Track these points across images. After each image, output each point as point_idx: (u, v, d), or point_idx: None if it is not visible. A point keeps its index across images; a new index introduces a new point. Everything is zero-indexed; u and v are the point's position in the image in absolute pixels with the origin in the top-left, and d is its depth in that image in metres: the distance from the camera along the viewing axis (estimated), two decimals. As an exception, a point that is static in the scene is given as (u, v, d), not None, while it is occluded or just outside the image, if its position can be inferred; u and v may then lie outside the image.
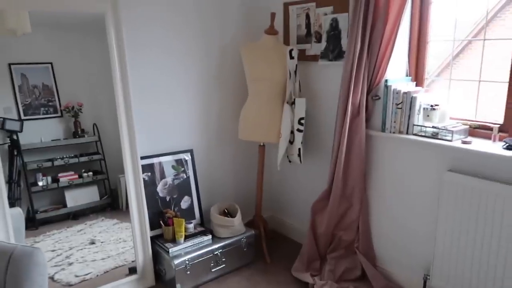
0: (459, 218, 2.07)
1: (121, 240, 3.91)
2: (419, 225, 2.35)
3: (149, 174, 2.72)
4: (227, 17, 2.93)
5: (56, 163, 2.58)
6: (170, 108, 2.77)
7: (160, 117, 2.74)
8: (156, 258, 2.65)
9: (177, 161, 2.81)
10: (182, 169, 2.82)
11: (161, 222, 2.69)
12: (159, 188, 2.76)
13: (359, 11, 2.27)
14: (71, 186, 2.72)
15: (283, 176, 3.30)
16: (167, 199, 2.79)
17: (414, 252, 2.41)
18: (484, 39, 2.17)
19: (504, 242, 1.92)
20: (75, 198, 2.86)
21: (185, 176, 2.82)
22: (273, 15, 2.70)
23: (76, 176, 2.71)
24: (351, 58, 2.34)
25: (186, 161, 2.86)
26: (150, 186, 2.72)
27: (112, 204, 4.88)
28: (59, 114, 2.51)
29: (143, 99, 2.64)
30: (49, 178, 2.58)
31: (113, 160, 4.87)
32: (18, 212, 2.53)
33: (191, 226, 2.70)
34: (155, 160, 2.74)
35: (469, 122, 2.26)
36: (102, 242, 3.96)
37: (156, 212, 2.73)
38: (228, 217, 2.85)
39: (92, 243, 4.01)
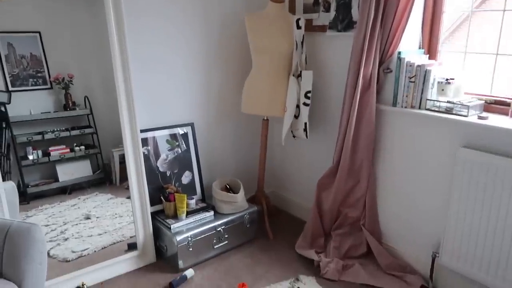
0: (473, 195, 2.02)
1: (117, 215, 3.84)
2: (429, 202, 2.30)
3: (149, 148, 2.62)
4: (230, -17, 2.77)
5: (46, 136, 2.51)
6: (170, 79, 2.64)
7: (159, 89, 2.62)
8: (157, 234, 2.58)
9: (171, 135, 2.70)
10: (177, 143, 2.71)
11: (161, 197, 2.60)
12: (159, 162, 2.66)
13: (374, -23, 2.14)
14: (62, 160, 2.66)
15: (286, 152, 3.22)
16: (168, 174, 2.70)
17: (423, 229, 2.36)
18: (504, 10, 2.07)
19: (518, 220, 1.88)
20: (67, 173, 2.79)
21: (179, 151, 2.71)
22: (280, -18, 2.56)
23: (68, 150, 2.65)
24: (363, 29, 2.22)
25: (185, 134, 2.75)
26: (149, 160, 2.62)
27: (105, 178, 4.80)
28: (48, 86, 2.43)
29: (141, 70, 2.51)
30: (40, 152, 2.51)
31: (106, 134, 4.76)
32: (11, 186, 2.44)
33: (192, 202, 2.62)
34: (156, 134, 2.63)
35: (484, 97, 2.18)
36: (97, 218, 3.88)
37: (156, 187, 2.64)
38: (230, 192, 2.78)
39: (87, 218, 3.94)
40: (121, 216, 3.75)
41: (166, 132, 2.67)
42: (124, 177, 5.01)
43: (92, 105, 3.94)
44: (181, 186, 2.73)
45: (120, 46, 2.26)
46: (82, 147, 2.78)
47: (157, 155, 2.65)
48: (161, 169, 2.66)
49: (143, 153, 2.51)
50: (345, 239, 2.60)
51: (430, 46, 2.37)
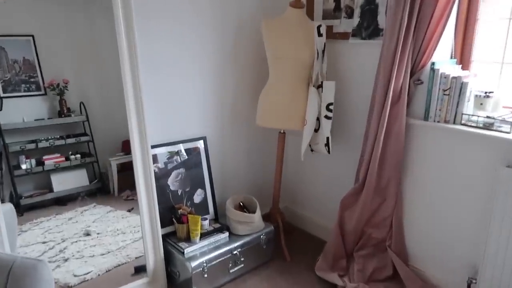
0: (517, 219, 1.86)
1: (119, 232, 3.63)
2: (465, 224, 2.14)
3: (159, 165, 2.42)
4: (245, -13, 2.59)
5: (40, 144, 2.42)
6: (182, 88, 2.45)
7: (170, 99, 2.42)
8: (168, 259, 2.38)
9: (184, 150, 2.51)
10: (176, 150, 2.51)
11: (173, 219, 2.41)
12: (171, 180, 2.47)
13: (407, -18, 1.97)
14: (57, 169, 2.57)
15: (304, 167, 3.04)
16: (179, 192, 2.50)
17: (456, 252, 2.20)
18: (549, 18, 1.92)
19: None
20: (62, 182, 2.68)
21: (179, 159, 2.50)
22: (300, -14, 2.38)
23: (63, 159, 2.55)
24: (395, 37, 2.06)
25: (196, 149, 2.56)
26: (160, 178, 2.42)
27: (102, 188, 4.60)
28: (42, 92, 2.35)
29: (152, 75, 2.31)
30: (33, 161, 2.41)
31: (102, 142, 4.56)
32: (10, 209, 2.26)
33: (206, 223, 2.43)
34: (167, 149, 2.44)
35: (524, 111, 2.03)
36: (98, 234, 3.67)
37: (167, 208, 2.44)
38: (245, 211, 2.59)
39: (87, 234, 3.72)
40: (123, 232, 3.55)
41: (180, 147, 2.49)
42: (122, 186, 4.80)
43: (88, 112, 3.81)
44: (193, 205, 2.54)
45: (129, 49, 2.05)
46: (78, 155, 2.70)
47: (168, 173, 2.46)
48: (172, 188, 2.47)
49: (154, 171, 2.32)
50: (368, 261, 2.43)
51: (462, 55, 2.21)
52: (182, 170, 2.50)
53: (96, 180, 4.91)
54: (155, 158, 2.40)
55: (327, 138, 2.42)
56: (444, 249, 2.26)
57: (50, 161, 2.47)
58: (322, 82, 2.40)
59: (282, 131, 2.66)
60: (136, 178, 2.24)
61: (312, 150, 2.64)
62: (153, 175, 2.24)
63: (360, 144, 2.45)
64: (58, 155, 2.52)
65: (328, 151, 2.46)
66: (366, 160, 2.31)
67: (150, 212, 2.29)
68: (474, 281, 2.08)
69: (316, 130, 2.48)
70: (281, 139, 2.67)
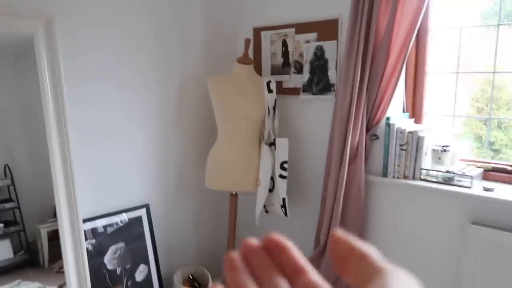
0: (488, 279, 1.75)
1: (48, 316, 3.15)
2: (435, 286, 2.00)
3: (93, 242, 2.10)
4: (189, 44, 2.46)
5: None
6: (120, 155, 2.19)
7: (106, 165, 2.15)
8: None
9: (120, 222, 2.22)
10: (113, 222, 2.22)
11: (112, 304, 2.05)
12: (108, 257, 2.13)
13: (357, 39, 1.93)
14: None
15: (259, 231, 2.82)
16: (118, 271, 2.16)
17: (428, 319, 2.04)
18: (494, 72, 1.95)
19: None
20: None
21: (118, 232, 2.20)
22: (247, 41, 2.29)
23: None
24: (349, 94, 1.99)
25: (138, 219, 2.27)
26: (95, 257, 2.09)
27: (30, 261, 4.05)
28: None
29: (84, 143, 2.04)
30: None
31: (30, 208, 4.08)
32: None
33: (151, 305, 2.09)
34: (102, 222, 2.12)
35: (481, 164, 2.00)
36: (21, 322, 3.17)
37: (104, 291, 2.09)
38: (196, 285, 2.30)
39: (8, 322, 3.20)
40: (53, 317, 3.08)
41: (116, 219, 2.18)
42: (54, 256, 4.27)
43: (13, 175, 3.47)
44: (135, 284, 2.20)
45: (57, 113, 1.81)
46: (1, 224, 2.46)
47: (105, 249, 2.13)
48: (109, 267, 2.13)
49: (87, 249, 1.99)
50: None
51: (414, 109, 2.18)
52: (121, 244, 2.18)
53: (22, 252, 4.34)
54: (89, 233, 2.08)
55: (283, 199, 2.25)
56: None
57: (-33, 232, 2.05)
58: (274, 140, 2.26)
59: (234, 193, 2.45)
60: (64, 257, 1.91)
61: (267, 212, 2.45)
62: (85, 254, 1.91)
63: (318, 205, 2.30)
64: (-22, 225, 2.10)
65: (285, 213, 2.28)
66: (326, 222, 2.14)
67: (82, 299, 1.94)
68: None
69: (270, 191, 2.31)
70: (233, 202, 2.45)
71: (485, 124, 2.08)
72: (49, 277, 3.61)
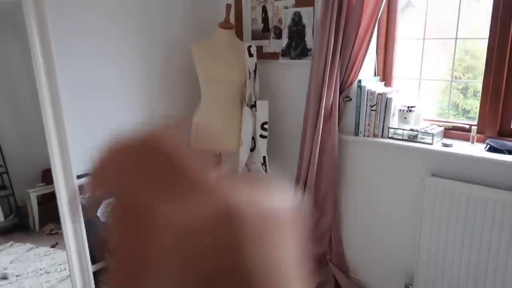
0: (444, 224, 1.98)
1: (43, 272, 3.32)
2: (398, 233, 2.23)
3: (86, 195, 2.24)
4: (173, 9, 2.54)
5: None
6: (110, 111, 2.31)
7: (96, 123, 2.26)
8: (102, 297, 2.19)
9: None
10: None
11: (105, 253, 2.23)
12: (100, 211, 2.29)
13: (331, 4, 2.06)
14: None
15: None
16: (111, 224, 2.33)
17: (393, 262, 2.29)
18: (456, 38, 2.11)
19: (490, 247, 1.86)
20: None
21: None
22: (228, 7, 2.38)
23: None
24: (323, 57, 2.13)
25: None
26: (88, 210, 2.24)
27: (20, 224, 4.17)
28: None
29: (75, 99, 2.14)
30: None
31: (19, 172, 4.17)
32: None
33: (142, 254, 2.28)
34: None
35: (442, 123, 2.19)
36: (17, 276, 3.32)
37: (98, 242, 2.26)
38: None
39: (4, 278, 3.35)
40: (47, 272, 3.26)
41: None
42: (44, 220, 4.38)
43: (1, 140, 3.53)
44: (127, 236, 2.38)
45: (46, 67, 1.90)
46: None
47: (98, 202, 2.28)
48: (102, 219, 2.29)
49: (82, 203, 2.13)
50: (311, 276, 2.44)
51: (385, 73, 2.35)
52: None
53: (12, 215, 4.43)
54: (82, 189, 2.22)
55: (264, 157, 2.42)
56: (382, 259, 2.33)
57: (-44, 197, 2.17)
58: (255, 102, 2.40)
59: (218, 153, 2.61)
60: (60, 211, 2.05)
61: (249, 171, 2.62)
62: (81, 212, 2.06)
63: (296, 162, 2.48)
64: (-34, 190, 2.16)
65: (266, 170, 2.46)
66: (303, 177, 2.33)
67: (78, 247, 2.11)
68: (410, 286, 2.17)
69: (252, 150, 2.47)
70: (217, 161, 2.62)
71: (461, 92, 2.25)
72: (40, 239, 3.74)
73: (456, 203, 1.92)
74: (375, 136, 2.20)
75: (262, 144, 2.41)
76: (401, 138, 2.13)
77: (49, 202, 3.81)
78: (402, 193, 2.18)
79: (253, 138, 2.43)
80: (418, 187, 2.09)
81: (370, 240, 2.35)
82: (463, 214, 1.91)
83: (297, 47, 2.39)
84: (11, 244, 3.92)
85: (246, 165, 2.57)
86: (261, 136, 2.41)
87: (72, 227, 2.06)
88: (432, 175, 2.01)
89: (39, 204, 3.98)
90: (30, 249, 3.67)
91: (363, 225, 2.36)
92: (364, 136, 2.22)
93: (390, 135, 2.16)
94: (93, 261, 2.19)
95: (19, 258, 3.45)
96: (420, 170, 2.08)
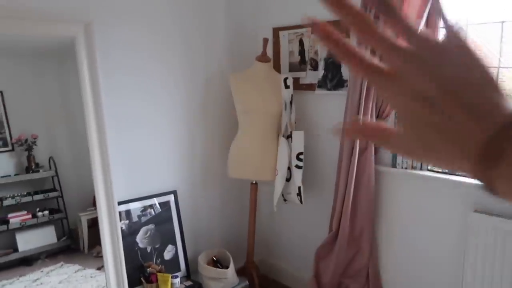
0: (489, 263, 1.86)
1: (88, 293, 3.43)
2: (440, 272, 2.11)
3: (127, 222, 2.34)
4: (213, 43, 2.66)
5: (6, 202, 2.31)
6: (150, 142, 2.43)
7: (139, 153, 2.39)
8: (137, 322, 2.24)
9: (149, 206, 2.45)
10: (149, 204, 2.45)
11: (142, 278, 2.30)
12: (139, 237, 2.38)
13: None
14: (23, 227, 2.44)
15: (277, 217, 3.00)
16: (148, 249, 2.40)
17: (434, 301, 2.16)
18: (499, 67, 2.03)
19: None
20: (28, 241, 2.55)
21: (153, 212, 2.44)
22: (265, 41, 2.46)
23: (30, 216, 2.43)
24: (358, 88, 2.12)
25: (166, 203, 2.50)
26: (128, 236, 2.33)
27: (71, 246, 4.38)
28: (10, 148, 2.29)
29: (118, 134, 2.28)
30: None
31: (72, 197, 4.41)
32: None
33: (177, 281, 2.32)
34: (135, 205, 2.37)
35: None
36: (63, 297, 3.46)
37: (136, 267, 2.33)
38: (219, 266, 2.50)
39: (52, 298, 3.50)
40: (92, 294, 3.36)
41: (147, 202, 2.42)
42: (93, 243, 4.58)
43: (57, 167, 3.72)
44: (164, 262, 2.44)
45: (94, 104, 2.05)
46: (46, 212, 2.58)
47: (137, 230, 2.37)
48: (140, 245, 2.37)
49: (121, 228, 2.23)
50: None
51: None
52: (151, 226, 2.42)
53: (65, 237, 4.69)
54: (127, 214, 2.33)
55: (299, 187, 2.42)
56: (422, 298, 2.21)
57: (16, 219, 2.35)
58: (291, 132, 2.43)
59: (254, 182, 2.64)
60: (101, 235, 2.16)
61: (285, 200, 2.62)
62: (119, 232, 2.16)
63: (332, 193, 2.44)
64: (25, 212, 2.40)
65: (301, 201, 2.45)
66: (338, 210, 2.29)
67: (116, 272, 2.19)
68: (454, 330, 2.03)
69: (288, 180, 2.48)
70: (253, 190, 2.64)
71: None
72: (88, 260, 3.92)
73: (501, 241, 1.80)
74: (413, 168, 2.14)
75: (297, 175, 2.41)
76: (441, 170, 2.05)
77: (97, 226, 4.01)
78: (442, 229, 2.07)
79: (288, 168, 2.44)
80: (460, 223, 1.99)
81: (409, 278, 2.24)
82: (509, 253, 1.78)
83: (333, 79, 2.40)
84: (62, 265, 4.12)
85: (282, 195, 2.57)
86: (297, 166, 2.41)
87: (112, 253, 2.15)
88: (475, 211, 1.90)
89: (89, 227, 4.18)
90: (77, 270, 3.83)
91: (401, 262, 2.26)
92: (402, 168, 2.16)
93: (429, 167, 2.09)
94: (130, 285, 2.26)
95: (67, 279, 3.61)
96: (462, 205, 1.98)
